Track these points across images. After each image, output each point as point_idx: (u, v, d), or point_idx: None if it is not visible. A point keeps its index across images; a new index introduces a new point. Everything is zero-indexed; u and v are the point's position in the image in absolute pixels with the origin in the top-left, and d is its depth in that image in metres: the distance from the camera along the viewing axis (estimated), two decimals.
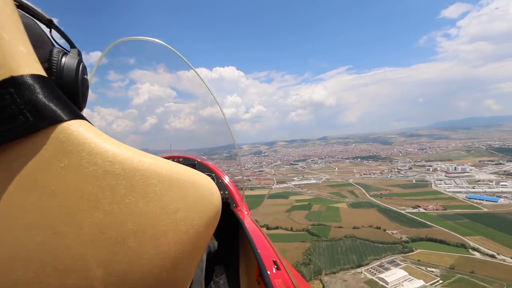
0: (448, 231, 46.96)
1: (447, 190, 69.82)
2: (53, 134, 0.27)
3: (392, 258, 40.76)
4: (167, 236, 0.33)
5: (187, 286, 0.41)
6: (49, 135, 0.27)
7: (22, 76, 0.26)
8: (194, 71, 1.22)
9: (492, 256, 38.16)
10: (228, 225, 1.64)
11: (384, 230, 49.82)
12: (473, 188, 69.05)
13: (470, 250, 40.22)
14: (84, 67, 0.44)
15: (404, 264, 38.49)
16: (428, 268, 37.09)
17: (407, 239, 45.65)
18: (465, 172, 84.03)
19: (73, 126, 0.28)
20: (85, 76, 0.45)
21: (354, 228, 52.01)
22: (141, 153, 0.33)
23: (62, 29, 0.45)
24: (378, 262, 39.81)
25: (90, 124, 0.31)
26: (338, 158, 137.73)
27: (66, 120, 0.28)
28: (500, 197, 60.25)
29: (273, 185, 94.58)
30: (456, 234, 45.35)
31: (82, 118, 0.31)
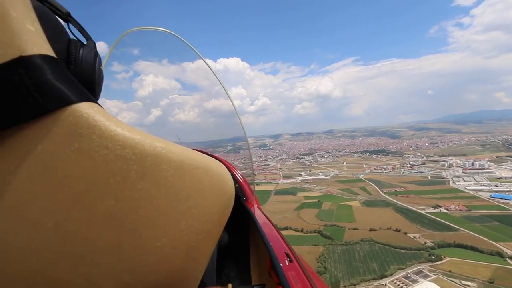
0: (477, 235, 42.23)
1: (468, 188, 64.84)
2: (63, 116, 0.26)
3: (418, 267, 36.19)
4: (179, 223, 0.32)
5: (200, 276, 0.40)
6: (59, 118, 0.26)
7: (31, 56, 0.25)
8: (205, 62, 1.19)
9: None
10: (239, 218, 1.61)
11: (405, 233, 45.20)
12: (496, 186, 64.05)
13: (507, 260, 35.47)
14: (100, 59, 0.45)
15: (434, 276, 33.91)
16: (463, 282, 32.47)
17: (432, 244, 41.04)
18: (483, 168, 78.89)
19: (83, 108, 0.27)
20: (101, 67, 0.46)
21: (371, 230, 47.53)
22: (153, 138, 0.32)
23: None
24: (403, 273, 35.26)
25: (100, 106, 0.30)
26: (345, 152, 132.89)
27: (75, 102, 0.27)
28: None
29: (279, 180, 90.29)
30: (487, 239, 40.61)
31: (92, 100, 0.30)
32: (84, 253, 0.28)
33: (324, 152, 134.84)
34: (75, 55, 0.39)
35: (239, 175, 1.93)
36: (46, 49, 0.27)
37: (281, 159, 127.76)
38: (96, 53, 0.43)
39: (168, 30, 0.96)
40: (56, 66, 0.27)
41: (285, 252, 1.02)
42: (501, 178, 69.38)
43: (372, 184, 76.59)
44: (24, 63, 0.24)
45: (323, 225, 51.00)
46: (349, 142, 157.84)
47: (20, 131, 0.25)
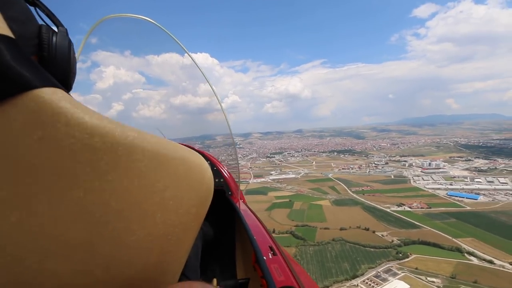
0: (438, 232, 44.44)
1: (427, 186, 68.91)
2: (24, 102, 0.24)
3: (387, 266, 36.86)
4: (155, 216, 0.30)
5: (179, 270, 0.38)
6: (20, 103, 0.24)
7: None
8: (189, 55, 1.16)
9: (490, 262, 35.71)
10: (224, 213, 1.64)
11: (374, 232, 46.19)
12: (451, 184, 68.84)
13: (466, 255, 37.60)
14: (73, 46, 0.42)
15: (402, 273, 34.69)
16: (429, 278, 33.54)
17: (399, 242, 42.24)
18: (439, 168, 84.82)
19: (46, 94, 0.25)
20: (75, 55, 0.43)
21: (341, 229, 47.81)
22: (124, 126, 0.30)
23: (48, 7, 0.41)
24: (373, 272, 35.62)
25: (65, 92, 0.28)
26: (314, 151, 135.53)
27: (38, 87, 0.25)
28: (478, 194, 59.98)
29: (250, 179, 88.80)
30: (447, 236, 42.88)
31: (57, 86, 0.27)
32: (52, 248, 0.26)
33: (294, 151, 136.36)
34: (48, 41, 0.36)
35: (224, 170, 1.90)
36: (3, 28, 0.25)
37: (251, 158, 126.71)
38: (70, 40, 0.40)
39: (149, 19, 0.90)
40: (15, 48, 0.24)
41: (269, 246, 1.02)
42: (454, 177, 74.77)
43: (341, 183, 78.18)
44: None
45: (295, 226, 50.48)
46: (317, 142, 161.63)
47: None
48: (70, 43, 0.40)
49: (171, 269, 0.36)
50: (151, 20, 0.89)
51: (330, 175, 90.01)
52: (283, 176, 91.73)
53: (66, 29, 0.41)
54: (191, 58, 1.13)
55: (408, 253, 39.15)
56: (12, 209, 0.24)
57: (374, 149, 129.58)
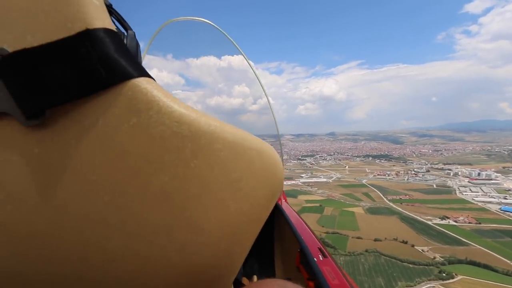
0: (489, 251, 39.66)
1: (476, 199, 62.17)
2: (123, 91, 0.26)
3: (428, 285, 33.68)
4: (229, 205, 0.31)
5: (241, 262, 0.38)
6: (120, 92, 0.26)
7: (96, 29, 0.25)
8: (244, 57, 1.22)
9: None
10: None
11: (412, 246, 42.62)
12: (505, 198, 61.46)
13: None
14: (140, 47, 0.46)
15: None
16: None
17: (442, 260, 38.40)
18: (490, 179, 76.29)
19: (141, 84, 0.27)
20: (141, 55, 0.47)
21: (375, 240, 44.91)
22: (207, 116, 0.31)
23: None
24: None
25: (156, 82, 0.30)
26: (348, 155, 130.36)
27: (135, 77, 0.27)
28: None
29: None
30: (500, 257, 38.06)
31: (149, 76, 0.29)
32: (137, 229, 0.28)
33: (326, 155, 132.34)
34: None
35: None
36: (109, 23, 0.27)
37: (282, 159, 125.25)
38: (138, 43, 0.44)
39: (208, 21, 0.91)
40: (117, 41, 0.27)
41: (318, 247, 0.98)
42: (509, 190, 66.73)
43: (376, 190, 74.02)
44: (89, 35, 0.24)
45: (325, 232, 48.52)
46: (351, 146, 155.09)
47: (83, 104, 0.25)
48: (137, 44, 0.43)
49: (236, 259, 0.37)
50: (210, 23, 0.87)
51: (364, 181, 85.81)
52: (314, 179, 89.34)
53: (134, 32, 0.45)
54: (247, 61, 1.11)
55: (454, 273, 35.35)
56: (106, 189, 0.26)
57: (414, 155, 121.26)
